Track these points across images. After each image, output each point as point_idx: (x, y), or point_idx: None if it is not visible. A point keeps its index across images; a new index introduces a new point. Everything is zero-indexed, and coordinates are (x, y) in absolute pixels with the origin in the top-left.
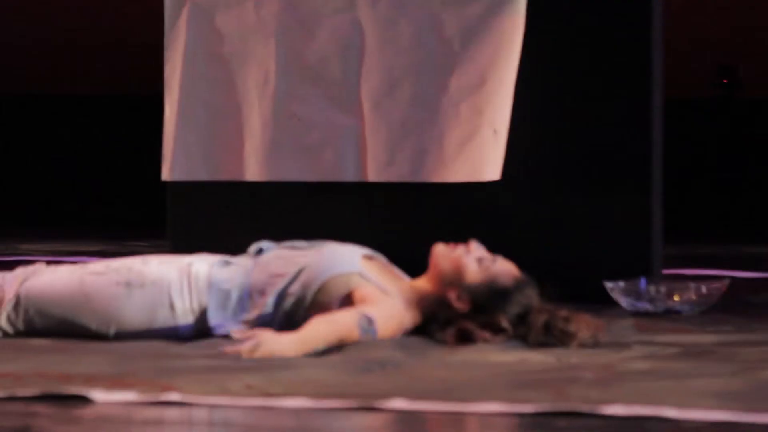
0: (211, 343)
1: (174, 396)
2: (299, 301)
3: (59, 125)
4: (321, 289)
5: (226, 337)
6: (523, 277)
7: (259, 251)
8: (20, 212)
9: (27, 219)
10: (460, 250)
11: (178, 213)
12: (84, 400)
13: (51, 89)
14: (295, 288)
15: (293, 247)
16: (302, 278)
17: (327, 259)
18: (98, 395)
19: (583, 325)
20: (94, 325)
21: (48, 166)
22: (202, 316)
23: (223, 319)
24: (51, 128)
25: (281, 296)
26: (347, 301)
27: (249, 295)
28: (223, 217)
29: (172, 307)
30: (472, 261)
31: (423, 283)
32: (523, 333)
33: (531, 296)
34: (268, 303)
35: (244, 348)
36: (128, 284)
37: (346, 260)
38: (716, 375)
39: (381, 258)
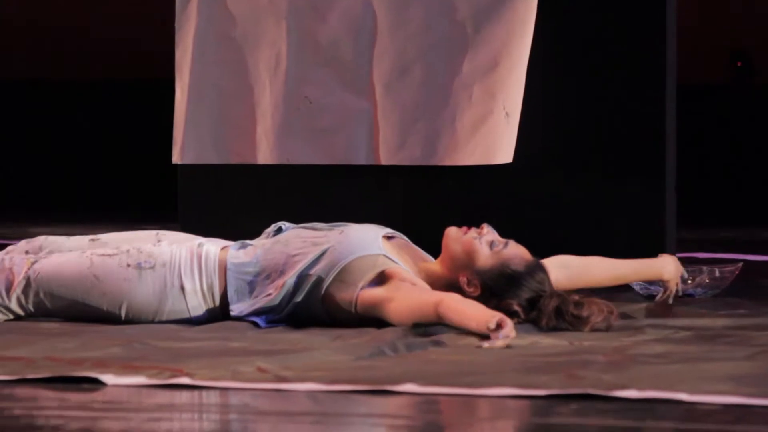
0: (223, 327)
1: (185, 380)
2: (319, 281)
3: (69, 109)
4: (345, 270)
5: (241, 319)
6: (534, 261)
7: (278, 231)
8: (30, 196)
9: (37, 203)
10: (471, 233)
11: (188, 196)
12: (94, 384)
13: (61, 74)
14: (317, 268)
15: (313, 228)
16: (326, 259)
17: (351, 241)
18: (109, 379)
19: (595, 309)
20: (104, 307)
21: (58, 150)
22: (213, 298)
23: (242, 301)
24: (61, 112)
25: (302, 276)
26: (379, 280)
27: (268, 275)
28: (234, 200)
29: (182, 288)
30: (484, 245)
31: (435, 266)
32: (535, 317)
33: (542, 281)
34: (287, 283)
35: (507, 332)
36: (138, 266)
37: (370, 242)
38: (729, 358)
39: (401, 237)
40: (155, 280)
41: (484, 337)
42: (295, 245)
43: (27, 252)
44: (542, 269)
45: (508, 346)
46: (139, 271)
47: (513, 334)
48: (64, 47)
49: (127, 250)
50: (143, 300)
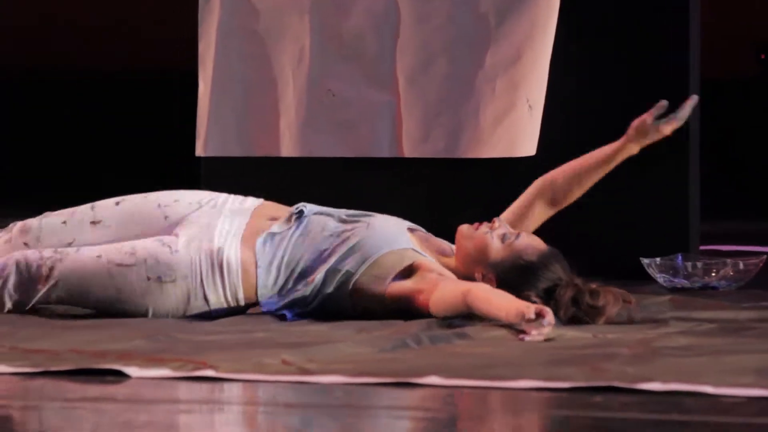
0: (247, 320)
1: (209, 372)
2: (348, 275)
3: (90, 102)
4: (374, 264)
5: (267, 314)
6: (548, 250)
7: (299, 213)
8: (53, 189)
9: (59, 196)
10: (483, 228)
11: (211, 189)
12: (118, 377)
13: (85, 66)
14: (346, 263)
15: (338, 219)
16: (355, 254)
17: (379, 235)
18: (133, 371)
19: (611, 298)
20: (129, 311)
21: (83, 143)
22: (238, 302)
23: (271, 299)
24: (84, 105)
25: (331, 272)
26: (408, 272)
27: (299, 273)
28: (256, 193)
29: (205, 299)
30: (495, 239)
31: (451, 262)
32: (553, 308)
33: (557, 270)
34: (317, 279)
35: (551, 320)
36: (159, 279)
37: (397, 235)
38: (753, 351)
39: (422, 231)
40: (177, 292)
41: (519, 329)
42: (322, 239)
43: (26, 244)
44: (557, 258)
45: (547, 339)
46: (160, 285)
47: (554, 321)
48: (72, 42)
49: (144, 259)
50: (167, 309)
